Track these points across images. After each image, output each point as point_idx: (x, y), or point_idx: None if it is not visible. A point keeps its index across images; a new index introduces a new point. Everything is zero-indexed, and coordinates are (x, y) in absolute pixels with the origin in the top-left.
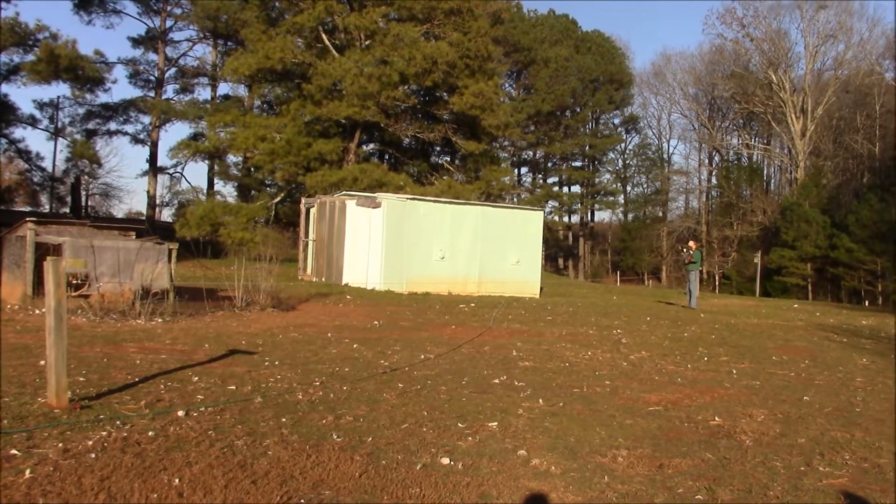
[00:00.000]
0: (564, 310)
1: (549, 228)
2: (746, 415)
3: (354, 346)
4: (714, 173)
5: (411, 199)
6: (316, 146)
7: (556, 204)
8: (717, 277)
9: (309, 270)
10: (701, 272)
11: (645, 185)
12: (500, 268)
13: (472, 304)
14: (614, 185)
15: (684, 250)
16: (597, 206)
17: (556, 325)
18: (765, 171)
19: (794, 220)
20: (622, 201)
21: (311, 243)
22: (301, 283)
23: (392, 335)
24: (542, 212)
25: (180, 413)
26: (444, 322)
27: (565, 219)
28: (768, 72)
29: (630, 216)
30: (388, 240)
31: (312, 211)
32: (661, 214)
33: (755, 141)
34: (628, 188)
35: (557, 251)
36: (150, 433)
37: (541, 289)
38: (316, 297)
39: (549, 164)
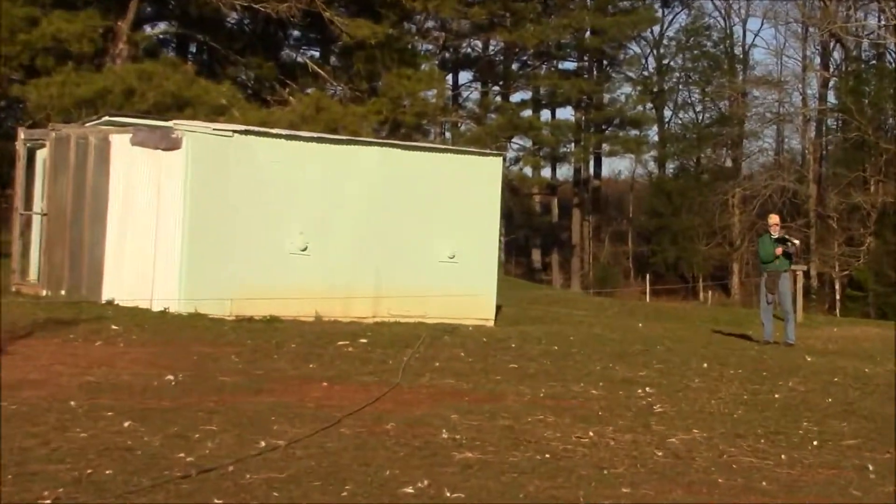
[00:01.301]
0: (543, 349)
1: (513, 191)
2: None
3: (126, 423)
4: (832, 83)
5: (243, 132)
6: (49, 24)
7: (529, 144)
8: (836, 285)
9: (34, 275)
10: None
11: (700, 107)
12: (420, 269)
13: (364, 340)
14: (640, 109)
15: (789, 243)
16: (607, 147)
17: (528, 378)
18: None
19: None
20: (655, 138)
21: (37, 220)
22: (17, 299)
23: (203, 402)
24: (501, 159)
25: None
26: (308, 375)
27: (545, 172)
28: None
29: (670, 167)
30: (196, 213)
31: (41, 154)
32: (730, 164)
33: None
34: (667, 113)
35: (531, 235)
36: None
37: (498, 308)
38: (48, 329)
39: (515, 67)
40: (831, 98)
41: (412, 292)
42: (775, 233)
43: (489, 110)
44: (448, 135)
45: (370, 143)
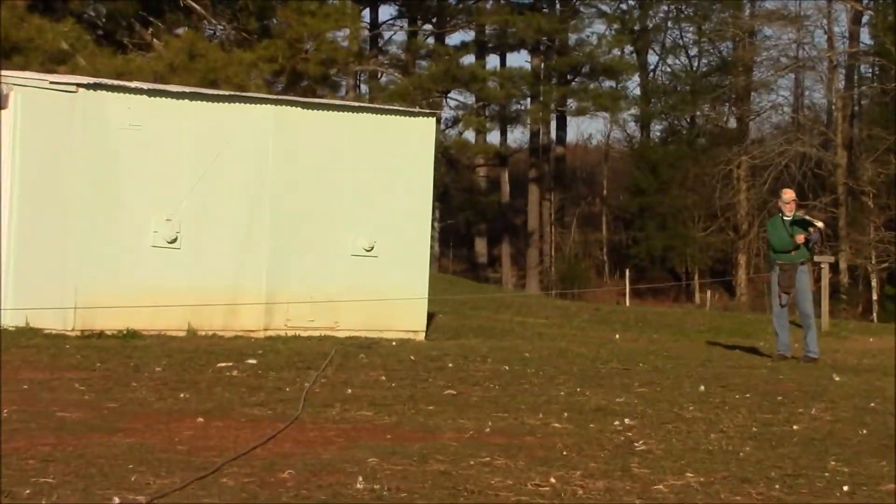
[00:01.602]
0: (490, 370)
1: (450, 162)
2: None
3: None
4: (866, 19)
5: (91, 86)
6: None
7: (472, 100)
8: (873, 282)
9: None
10: (817, 267)
11: (695, 50)
12: (327, 266)
13: (253, 361)
14: (617, 53)
15: (811, 228)
16: (573, 104)
17: (470, 409)
18: None
19: None
20: (636, 92)
21: None
22: None
23: (35, 446)
24: (435, 120)
25: None
26: (178, 407)
27: (493, 137)
28: None
29: (657, 129)
30: (27, 194)
31: None
32: (734, 124)
33: None
34: (653, 59)
35: (474, 220)
36: None
37: (430, 317)
38: None
39: (452, 0)
40: (865, 38)
41: (317, 296)
42: (789, 213)
43: (418, 56)
44: (365, 89)
45: (261, 101)
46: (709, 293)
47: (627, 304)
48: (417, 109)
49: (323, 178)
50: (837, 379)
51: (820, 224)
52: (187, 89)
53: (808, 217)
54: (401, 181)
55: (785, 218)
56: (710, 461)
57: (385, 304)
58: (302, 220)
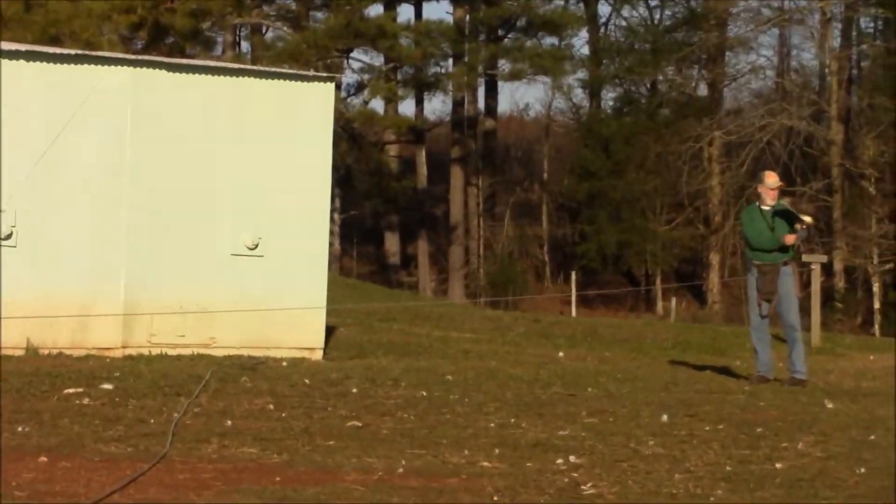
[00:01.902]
0: (403, 396)
1: (353, 138)
2: None
3: None
4: None
5: None
6: None
7: (380, 62)
8: (874, 286)
9: None
10: (806, 268)
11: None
12: (201, 268)
13: (108, 386)
14: (560, 1)
15: (800, 223)
16: (506, 66)
17: (379, 444)
18: None
19: None
20: (584, 51)
21: None
22: None
23: None
24: (333, 85)
25: None
26: (13, 443)
27: (406, 108)
28: None
29: (609, 98)
30: None
31: None
32: (704, 91)
33: None
34: (604, 10)
35: (384, 211)
36: None
37: (329, 331)
38: None
39: None
40: None
41: (188, 306)
42: (771, 201)
43: (312, 6)
44: (246, 47)
45: (116, 62)
46: (674, 301)
47: (573, 314)
48: (312, 73)
49: (195, 160)
50: (830, 406)
51: (808, 219)
52: (22, 47)
53: (791, 208)
54: (292, 163)
55: (764, 208)
56: None
57: (273, 315)
58: (169, 211)
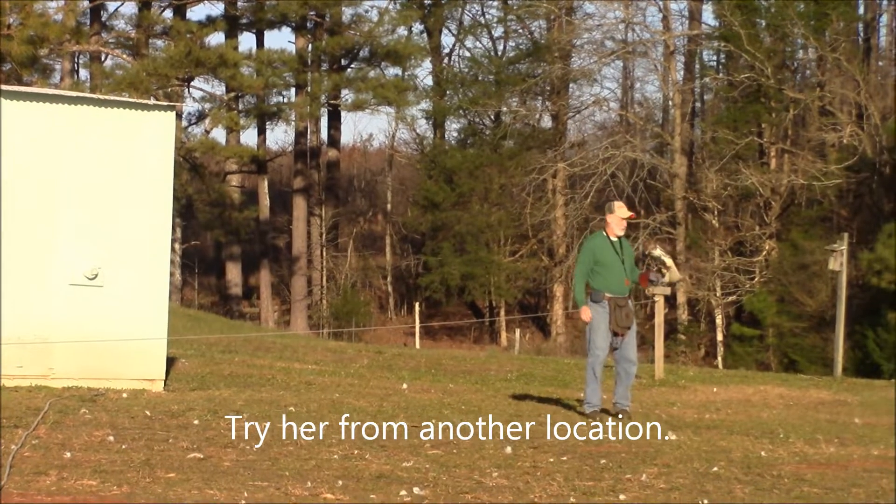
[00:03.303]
0: (244, 428)
1: (195, 168)
2: None
3: None
4: None
5: None
6: None
7: (222, 91)
8: (717, 319)
9: None
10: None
11: (500, 30)
12: (38, 297)
13: None
14: (403, 32)
15: (657, 266)
16: (349, 97)
17: (221, 476)
18: None
19: None
20: (428, 81)
21: None
22: None
23: None
24: (174, 115)
25: None
26: None
27: (248, 138)
28: None
29: (453, 129)
30: None
31: None
32: (548, 123)
33: None
34: (448, 41)
35: (225, 242)
36: None
37: (170, 362)
38: None
39: None
40: (708, 17)
41: (26, 337)
42: (620, 231)
43: (152, 34)
44: (85, 74)
45: None
46: (518, 332)
47: (417, 345)
48: (152, 102)
49: (33, 189)
50: (673, 438)
51: (669, 261)
52: None
53: (663, 255)
54: (132, 192)
55: (612, 238)
56: None
57: (113, 346)
58: (7, 240)
